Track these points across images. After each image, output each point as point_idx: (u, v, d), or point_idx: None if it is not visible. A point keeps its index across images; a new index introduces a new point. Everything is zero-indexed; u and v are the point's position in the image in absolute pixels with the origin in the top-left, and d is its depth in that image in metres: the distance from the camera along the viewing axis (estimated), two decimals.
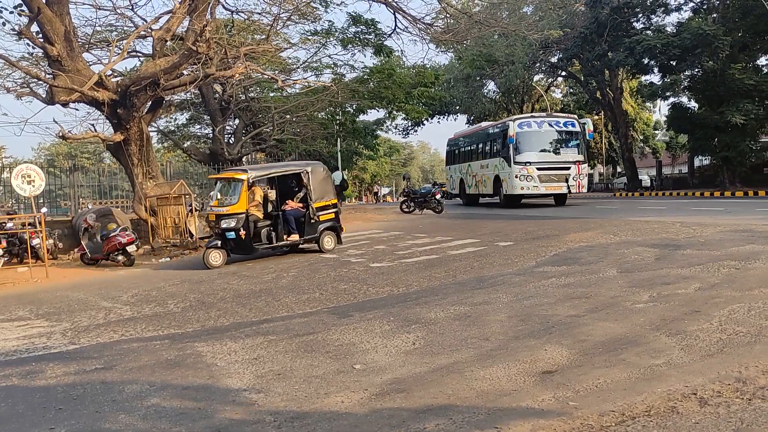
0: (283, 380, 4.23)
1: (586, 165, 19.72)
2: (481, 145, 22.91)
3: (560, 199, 20.29)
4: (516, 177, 18.62)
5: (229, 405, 3.85)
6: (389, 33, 23.21)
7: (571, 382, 3.72)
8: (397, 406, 3.60)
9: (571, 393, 3.57)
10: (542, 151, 18.92)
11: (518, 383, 3.81)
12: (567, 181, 18.71)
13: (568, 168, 18.79)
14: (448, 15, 19.19)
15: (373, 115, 66.64)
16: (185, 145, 27.04)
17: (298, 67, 25.87)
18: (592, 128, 19.45)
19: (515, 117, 20.19)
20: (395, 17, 18.78)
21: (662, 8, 29.55)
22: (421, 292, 6.93)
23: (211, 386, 4.24)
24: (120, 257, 12.23)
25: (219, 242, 10.77)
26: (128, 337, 5.97)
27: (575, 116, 20.68)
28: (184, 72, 14.37)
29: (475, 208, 22.70)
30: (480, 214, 18.89)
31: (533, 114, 21.53)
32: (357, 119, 29.71)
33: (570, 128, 19.38)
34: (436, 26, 19.18)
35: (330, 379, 4.18)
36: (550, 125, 19.26)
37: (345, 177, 30.58)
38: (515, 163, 18.65)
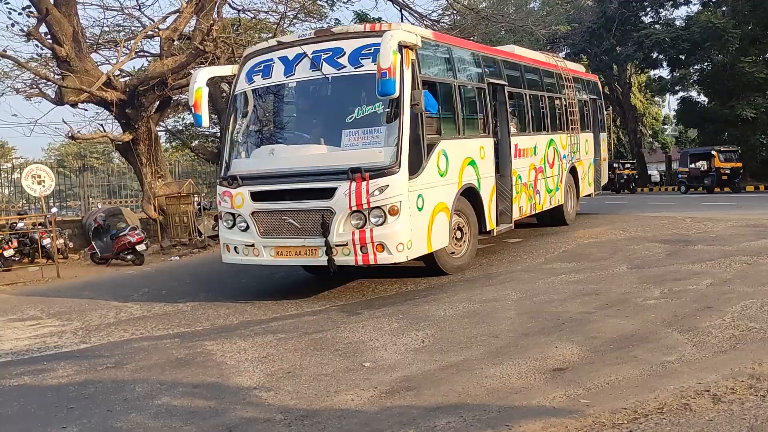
0: (292, 378, 4.23)
1: (419, 172, 6.64)
2: None
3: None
4: (220, 218, 7.37)
5: (239, 403, 3.86)
6: None
7: (583, 380, 3.70)
8: (408, 403, 3.59)
9: (582, 390, 3.54)
10: (287, 142, 7.34)
11: (529, 381, 3.79)
12: (326, 227, 6.39)
13: (329, 193, 6.43)
14: (455, 11, 19.14)
15: None
16: (193, 144, 27.09)
17: None
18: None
19: (249, 49, 7.84)
20: (402, 14, 18.73)
21: (671, 2, 29.36)
22: (429, 289, 6.91)
23: (221, 384, 4.25)
24: (129, 256, 12.28)
25: None
26: (139, 336, 5.99)
27: (400, 25, 6.97)
28: (192, 71, 14.40)
29: None
30: None
31: (282, 40, 7.49)
32: None
33: (371, 66, 6.44)
34: (443, 23, 19.13)
35: (339, 377, 4.18)
36: (315, 66, 6.82)
37: None
38: (220, 181, 7.32)
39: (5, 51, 13.24)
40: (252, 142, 7.57)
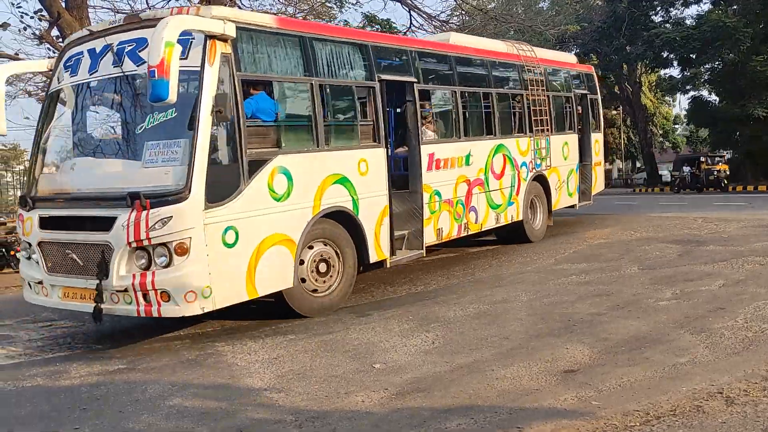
0: (303, 380, 4.24)
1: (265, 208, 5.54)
2: None
3: None
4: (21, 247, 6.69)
5: (250, 404, 3.87)
6: (404, 31, 23.21)
7: (594, 381, 3.69)
8: (418, 405, 3.59)
9: (593, 392, 3.53)
10: (86, 155, 6.14)
11: (540, 382, 3.78)
12: (105, 267, 5.08)
13: (108, 224, 5.09)
14: (463, 12, 19.11)
15: None
16: None
17: None
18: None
19: (69, 38, 6.70)
20: (410, 15, 18.73)
21: (681, 1, 29.20)
22: (439, 290, 6.91)
23: (232, 386, 4.27)
24: None
25: None
26: (150, 337, 6.03)
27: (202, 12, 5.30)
28: None
29: None
30: None
31: (93, 29, 6.13)
32: None
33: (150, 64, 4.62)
34: (452, 23, 19.10)
35: (350, 378, 4.18)
36: (117, 61, 5.53)
37: None
38: (19, 201, 6.52)
39: (17, 54, 13.36)
40: (53, 155, 6.44)
